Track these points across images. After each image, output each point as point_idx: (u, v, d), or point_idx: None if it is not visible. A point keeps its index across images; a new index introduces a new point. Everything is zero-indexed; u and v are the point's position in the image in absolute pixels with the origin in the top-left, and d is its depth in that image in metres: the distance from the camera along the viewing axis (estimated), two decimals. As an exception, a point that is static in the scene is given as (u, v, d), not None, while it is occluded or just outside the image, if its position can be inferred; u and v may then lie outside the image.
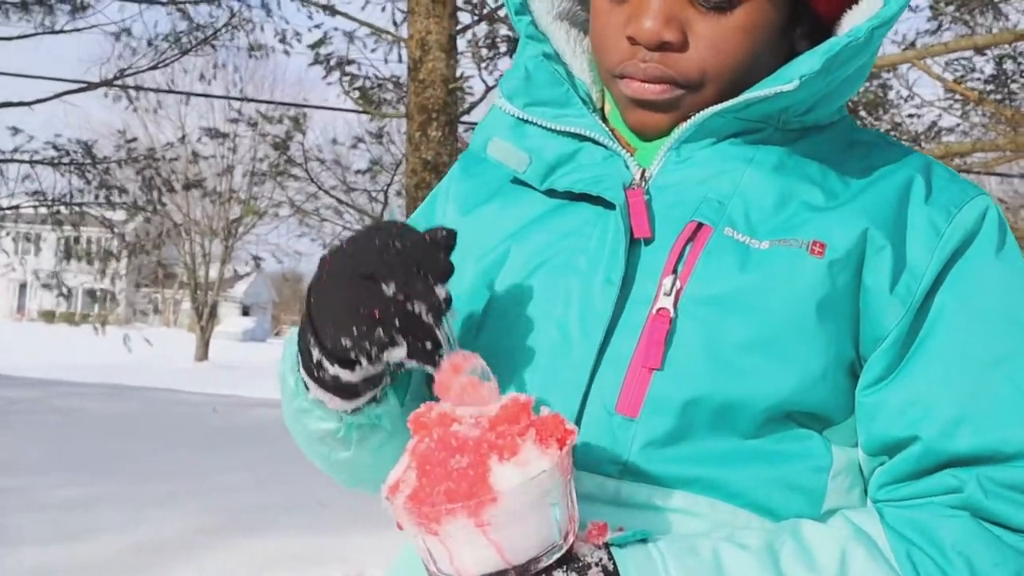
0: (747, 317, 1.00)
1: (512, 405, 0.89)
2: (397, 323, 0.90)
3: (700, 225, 1.04)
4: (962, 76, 11.08)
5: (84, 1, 12.63)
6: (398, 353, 0.92)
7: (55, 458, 9.29)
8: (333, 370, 0.97)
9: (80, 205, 14.03)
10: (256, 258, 28.13)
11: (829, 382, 1.02)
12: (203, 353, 31.57)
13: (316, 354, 0.97)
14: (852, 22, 1.04)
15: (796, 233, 1.03)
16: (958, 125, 11.55)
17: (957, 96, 10.56)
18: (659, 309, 1.01)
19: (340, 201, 17.46)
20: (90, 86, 12.59)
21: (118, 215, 15.68)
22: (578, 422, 1.01)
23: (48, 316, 48.66)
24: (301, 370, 1.03)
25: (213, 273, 32.78)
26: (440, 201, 1.26)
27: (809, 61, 1.01)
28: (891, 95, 11.30)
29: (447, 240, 0.94)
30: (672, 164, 1.09)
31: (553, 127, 1.14)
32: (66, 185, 13.84)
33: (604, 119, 1.17)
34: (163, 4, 12.57)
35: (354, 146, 16.43)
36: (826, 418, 1.03)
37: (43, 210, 14.09)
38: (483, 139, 1.18)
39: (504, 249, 1.12)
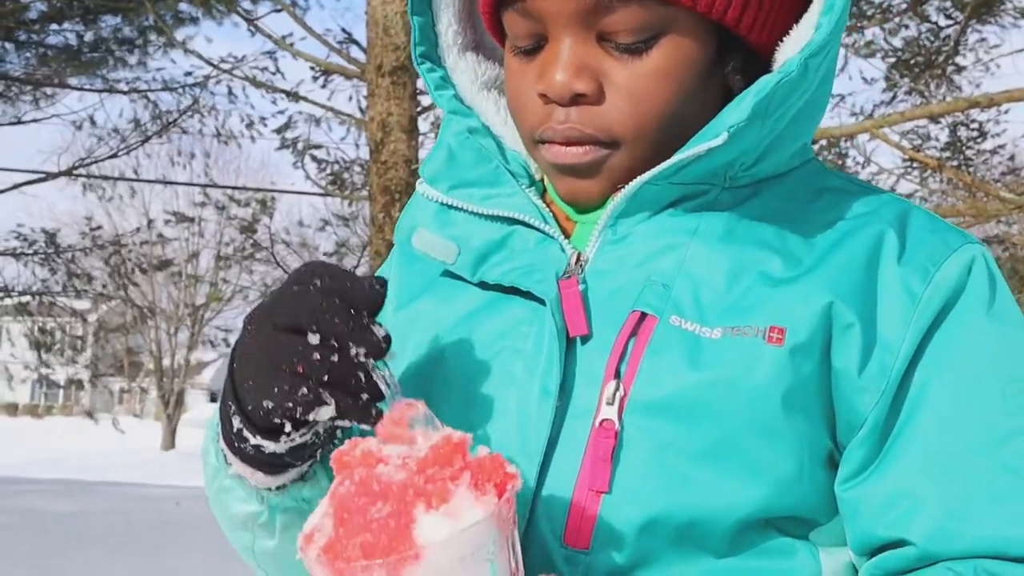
0: (702, 422, 0.89)
1: (444, 444, 0.78)
2: (325, 377, 0.80)
3: (643, 315, 0.92)
4: (918, 146, 11.25)
5: (46, 91, 12.64)
6: (326, 412, 0.81)
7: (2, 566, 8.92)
8: (255, 440, 0.86)
9: (47, 295, 13.88)
10: (225, 341, 27.88)
11: (806, 482, 0.91)
12: (170, 442, 31.11)
13: (236, 422, 0.87)
14: (785, 54, 0.95)
15: (751, 317, 0.91)
16: (917, 191, 11.70)
17: (915, 164, 10.72)
18: (602, 421, 0.90)
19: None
20: (49, 176, 12.55)
21: (84, 303, 15.56)
22: (523, 554, 0.88)
23: (11, 409, 47.82)
24: (222, 441, 0.92)
25: (180, 360, 32.46)
26: None
27: (737, 110, 0.91)
28: (848, 163, 11.43)
29: (381, 283, 0.84)
30: (608, 244, 0.98)
31: (481, 211, 1.03)
32: (31, 276, 13.73)
33: (545, 191, 1.08)
34: (124, 92, 12.60)
35: (321, 228, 16.44)
36: (810, 520, 0.92)
37: (7, 301, 13.93)
38: (407, 230, 1.08)
39: (438, 353, 1.02)
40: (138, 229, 15.84)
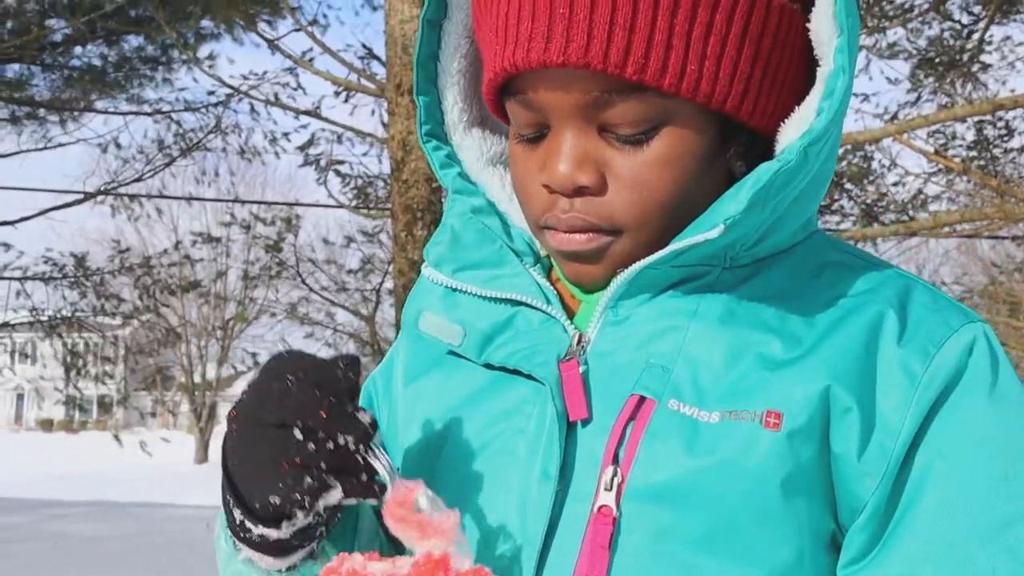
0: (699, 508, 0.88)
1: (426, 562, 0.80)
2: (324, 464, 0.84)
3: (643, 399, 0.92)
4: (944, 144, 11.15)
5: (72, 114, 12.76)
6: (334, 496, 0.85)
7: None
8: (258, 530, 0.90)
9: (76, 319, 13.99)
10: (252, 355, 28.12)
11: (807, 567, 0.89)
12: (203, 455, 31.33)
13: (238, 515, 0.90)
14: (787, 136, 0.94)
15: (748, 401, 0.90)
16: (944, 192, 11.61)
17: (940, 166, 10.62)
18: (601, 507, 0.90)
19: (331, 302, 17.49)
20: (76, 201, 12.67)
21: (115, 321, 15.67)
22: None
23: (46, 425, 48.28)
24: (229, 529, 0.95)
25: (211, 373, 32.67)
26: (395, 362, 1.18)
27: (734, 201, 0.90)
28: (874, 165, 11.36)
29: (356, 362, 0.88)
30: (609, 326, 0.98)
31: (486, 294, 1.04)
32: (60, 299, 13.85)
33: (551, 268, 1.08)
34: (148, 114, 12.70)
35: (346, 245, 16.49)
36: None
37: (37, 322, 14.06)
38: (414, 313, 1.09)
39: (444, 430, 1.03)
40: (166, 251, 15.93)
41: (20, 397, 51.95)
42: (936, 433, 0.89)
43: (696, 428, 0.90)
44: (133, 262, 15.08)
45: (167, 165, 13.09)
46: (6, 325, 13.91)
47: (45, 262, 13.55)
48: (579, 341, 0.99)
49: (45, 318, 13.67)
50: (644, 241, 0.95)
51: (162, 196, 15.80)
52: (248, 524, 0.90)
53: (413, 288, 1.13)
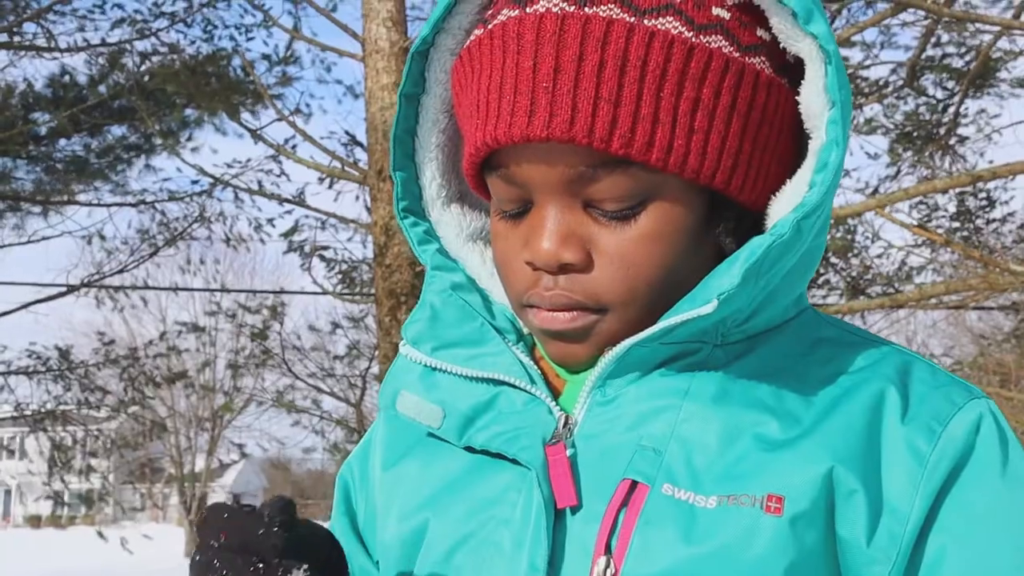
0: None
1: None
2: None
3: (635, 484, 0.88)
4: (927, 216, 11.21)
5: (55, 207, 12.78)
6: None
7: None
8: None
9: (61, 413, 13.84)
10: (239, 446, 27.92)
11: None
12: (192, 548, 30.88)
13: None
14: (778, 211, 0.91)
15: (747, 485, 0.86)
16: (929, 263, 11.64)
17: (924, 238, 10.67)
18: None
19: (317, 389, 17.40)
20: (59, 295, 12.63)
21: (101, 413, 15.51)
22: None
23: (34, 521, 47.73)
24: None
25: (200, 464, 32.36)
26: (373, 446, 1.13)
27: (727, 275, 0.87)
28: (858, 238, 11.40)
29: (284, 510, 0.84)
30: (597, 407, 0.94)
31: (466, 373, 1.00)
32: (44, 392, 13.70)
33: (535, 346, 1.04)
34: (132, 205, 12.71)
35: (331, 331, 16.44)
36: None
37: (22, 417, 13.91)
38: (391, 393, 1.04)
39: (423, 519, 0.99)
40: (151, 342, 15.84)
41: (8, 493, 51.44)
42: (948, 515, 0.86)
43: (692, 514, 0.86)
44: (119, 354, 14.97)
45: (151, 255, 13.06)
46: (-8, 420, 13.77)
47: (29, 355, 13.44)
48: (566, 423, 0.95)
49: (29, 412, 13.53)
50: (631, 319, 0.92)
51: (146, 287, 15.76)
52: None
53: (390, 368, 1.08)
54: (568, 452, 0.92)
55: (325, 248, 12.59)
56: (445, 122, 1.05)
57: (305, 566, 0.82)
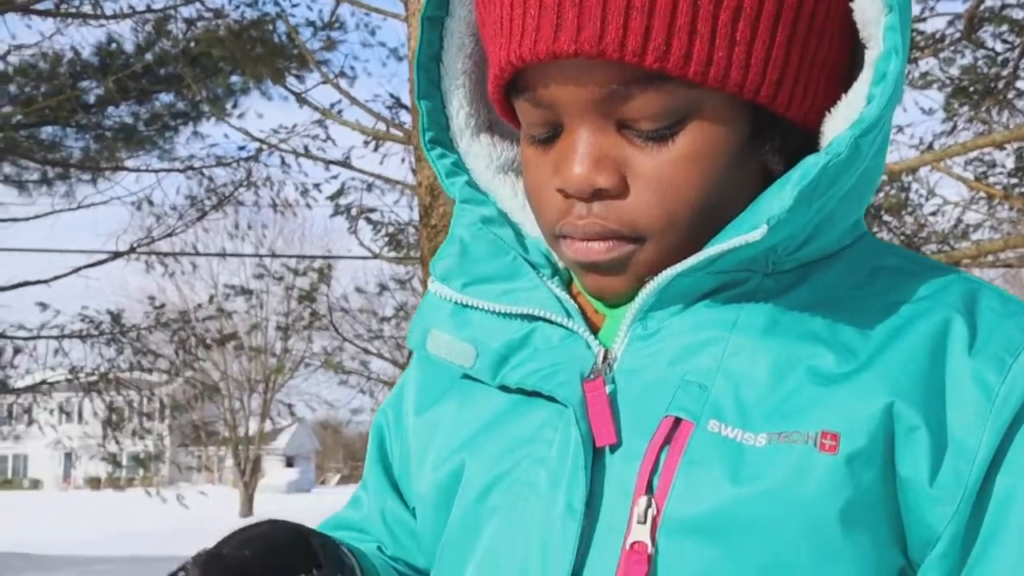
0: (747, 543, 0.78)
1: None
2: None
3: (678, 421, 0.82)
4: (984, 173, 10.96)
5: (104, 174, 12.90)
6: None
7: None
8: None
9: (115, 376, 14.05)
10: (289, 406, 28.20)
11: None
12: (247, 509, 31.41)
13: None
14: (833, 127, 0.83)
15: (800, 421, 0.79)
16: (986, 220, 11.40)
17: (981, 194, 10.43)
18: (633, 543, 0.79)
19: (365, 351, 17.52)
20: (107, 259, 12.78)
21: (154, 377, 15.73)
22: None
23: (94, 483, 48.79)
24: None
25: (253, 427, 32.81)
26: (406, 391, 1.08)
27: (778, 198, 0.80)
28: (912, 195, 11.17)
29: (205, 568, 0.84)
30: (638, 341, 0.87)
31: (499, 309, 0.94)
32: (98, 357, 13.91)
33: (571, 281, 0.97)
34: (180, 171, 12.81)
35: (379, 293, 16.51)
36: None
37: (76, 381, 14.14)
38: (421, 333, 0.98)
39: (459, 461, 0.93)
40: (200, 306, 16.03)
41: (68, 456, 52.53)
42: (1018, 453, 0.78)
43: (740, 452, 0.79)
44: (170, 317, 15.15)
45: (199, 219, 13.19)
46: (44, 384, 13.98)
47: (81, 319, 13.63)
48: (605, 358, 0.89)
49: (83, 376, 13.75)
50: (670, 247, 0.85)
51: (195, 253, 15.95)
52: None
53: (419, 305, 1.02)
54: (607, 388, 0.86)
55: (372, 211, 12.59)
56: (472, 46, 0.97)
57: None
